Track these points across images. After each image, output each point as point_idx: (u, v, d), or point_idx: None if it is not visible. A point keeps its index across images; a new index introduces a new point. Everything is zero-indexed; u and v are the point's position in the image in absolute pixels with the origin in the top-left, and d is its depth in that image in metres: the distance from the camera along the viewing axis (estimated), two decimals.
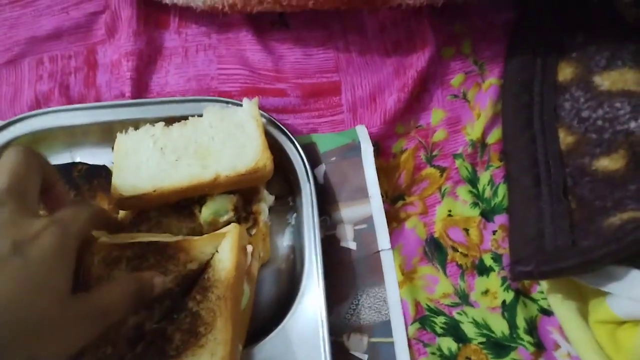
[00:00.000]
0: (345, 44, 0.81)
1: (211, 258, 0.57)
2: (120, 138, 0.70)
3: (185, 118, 0.71)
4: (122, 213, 0.71)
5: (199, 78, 0.80)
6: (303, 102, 0.78)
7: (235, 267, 0.56)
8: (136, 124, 0.73)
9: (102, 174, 0.72)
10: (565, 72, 0.73)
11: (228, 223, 0.69)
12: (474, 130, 0.75)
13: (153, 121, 0.71)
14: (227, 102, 0.74)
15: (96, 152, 0.77)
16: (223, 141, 0.68)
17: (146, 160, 0.68)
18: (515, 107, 0.74)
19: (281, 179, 0.74)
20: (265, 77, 0.79)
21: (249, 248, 0.62)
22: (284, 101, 0.78)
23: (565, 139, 0.69)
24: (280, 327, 0.64)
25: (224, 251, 0.57)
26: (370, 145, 0.71)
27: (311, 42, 0.81)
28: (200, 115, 0.71)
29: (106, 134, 0.77)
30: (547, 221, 0.63)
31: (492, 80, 0.77)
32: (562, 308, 0.62)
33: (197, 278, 0.55)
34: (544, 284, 0.66)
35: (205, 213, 0.69)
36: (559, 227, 0.62)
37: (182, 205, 0.70)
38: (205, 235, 0.59)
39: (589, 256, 0.53)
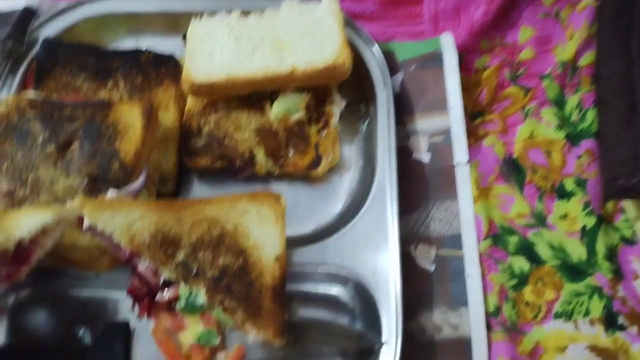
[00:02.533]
0: None
1: None
2: (195, 24, 0.67)
3: None
4: (189, 102, 0.69)
5: None
6: (382, 9, 0.74)
7: None
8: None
9: (170, 62, 0.70)
10: None
11: (298, 122, 0.67)
12: (565, 51, 0.70)
13: None
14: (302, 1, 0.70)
15: (160, 40, 0.74)
16: (301, 35, 0.65)
17: (220, 49, 0.65)
18: (612, 30, 0.69)
19: (353, 85, 0.71)
20: None
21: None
22: (361, 7, 0.74)
23: None
24: (348, 226, 0.62)
25: None
26: (455, 54, 0.67)
27: None
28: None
29: (172, 24, 0.74)
30: None
31: (588, 0, 0.71)
32: None
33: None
34: (630, 212, 0.62)
35: (277, 109, 0.66)
36: None
37: (253, 99, 0.68)
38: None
39: None
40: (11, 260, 0.49)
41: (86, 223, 0.52)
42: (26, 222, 0.49)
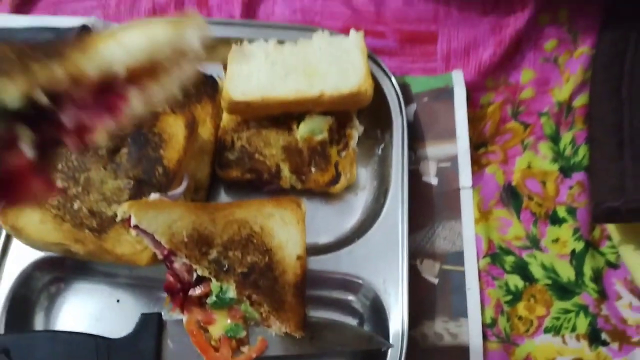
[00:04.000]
0: None
1: None
2: (236, 49, 0.75)
3: None
4: (224, 119, 0.76)
5: (305, 11, 0.85)
6: (400, 46, 0.82)
7: None
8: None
9: (209, 82, 0.77)
10: None
11: (321, 143, 0.74)
12: (561, 92, 0.78)
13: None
14: (331, 34, 0.79)
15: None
16: (329, 64, 0.73)
17: (257, 72, 0.73)
18: (604, 76, 0.77)
19: (371, 113, 0.79)
20: (366, 19, 0.84)
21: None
22: (381, 43, 0.82)
23: None
24: (362, 239, 0.69)
25: None
26: (464, 89, 0.75)
27: None
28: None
29: (210, 49, 0.82)
30: (629, 178, 0.66)
31: (584, 49, 0.80)
32: (633, 257, 0.66)
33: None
34: (615, 237, 0.69)
35: (303, 129, 0.74)
36: None
37: (282, 120, 0.75)
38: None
39: None
40: (94, 99, 0.29)
41: (133, 221, 0.58)
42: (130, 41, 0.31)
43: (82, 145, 0.26)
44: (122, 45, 0.26)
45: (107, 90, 0.26)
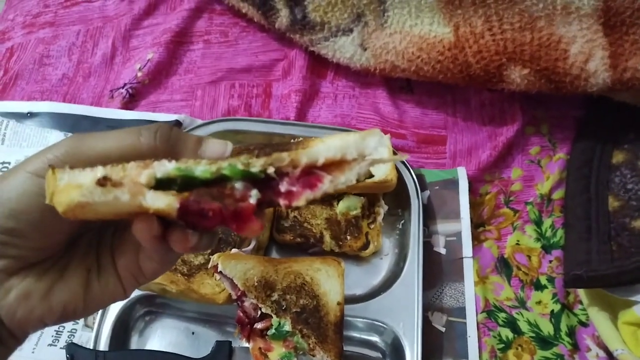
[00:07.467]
0: (454, 111, 1.09)
1: None
2: (294, 144, 0.99)
3: None
4: None
5: (343, 116, 1.10)
6: (417, 145, 1.06)
7: None
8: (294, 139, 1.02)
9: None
10: (618, 157, 0.98)
11: (355, 217, 0.96)
12: (543, 187, 1.00)
13: None
14: None
15: None
16: None
17: None
18: (576, 176, 0.99)
19: (394, 196, 1.01)
20: (391, 124, 1.08)
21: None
22: (402, 142, 1.06)
23: (613, 203, 0.93)
24: (386, 293, 0.88)
25: None
26: (467, 182, 0.98)
27: (428, 105, 1.10)
28: None
29: (268, 140, 1.06)
30: (594, 255, 0.86)
31: (561, 155, 1.03)
32: (599, 316, 0.84)
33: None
34: (584, 300, 0.88)
35: (341, 206, 0.96)
36: (603, 259, 0.85)
37: (325, 198, 0.98)
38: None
39: (623, 268, 0.76)
40: (301, 177, 0.39)
41: (219, 268, 0.79)
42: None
43: (289, 205, 0.38)
44: (326, 145, 0.39)
45: (310, 173, 0.38)
